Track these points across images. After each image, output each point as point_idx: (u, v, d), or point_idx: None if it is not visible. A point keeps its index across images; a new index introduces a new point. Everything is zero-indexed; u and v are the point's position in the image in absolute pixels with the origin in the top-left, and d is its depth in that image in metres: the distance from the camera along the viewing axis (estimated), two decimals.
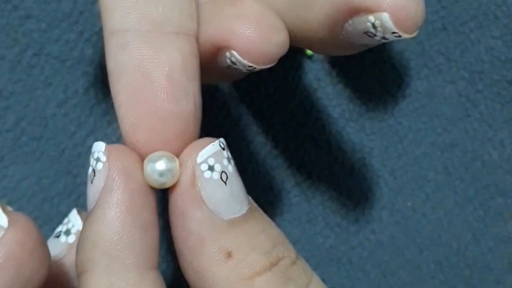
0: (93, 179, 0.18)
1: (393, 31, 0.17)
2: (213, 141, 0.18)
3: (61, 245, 0.20)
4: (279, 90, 0.29)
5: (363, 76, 0.29)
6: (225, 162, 0.18)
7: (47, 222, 0.28)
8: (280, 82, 0.29)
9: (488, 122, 0.30)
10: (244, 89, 0.29)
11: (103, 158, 0.18)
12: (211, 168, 0.17)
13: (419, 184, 0.31)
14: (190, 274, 0.18)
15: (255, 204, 0.18)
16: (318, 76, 0.29)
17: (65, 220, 0.21)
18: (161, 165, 0.18)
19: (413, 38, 0.29)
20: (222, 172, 0.17)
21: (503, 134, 0.30)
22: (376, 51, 0.29)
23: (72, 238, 0.20)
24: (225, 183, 0.17)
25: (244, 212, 0.18)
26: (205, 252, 0.17)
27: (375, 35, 0.18)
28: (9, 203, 0.28)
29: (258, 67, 0.19)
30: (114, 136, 0.28)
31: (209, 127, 0.29)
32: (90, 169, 0.18)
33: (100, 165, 0.18)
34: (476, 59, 0.29)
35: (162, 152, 0.18)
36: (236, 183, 0.18)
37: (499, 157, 0.30)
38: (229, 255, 0.17)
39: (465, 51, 0.29)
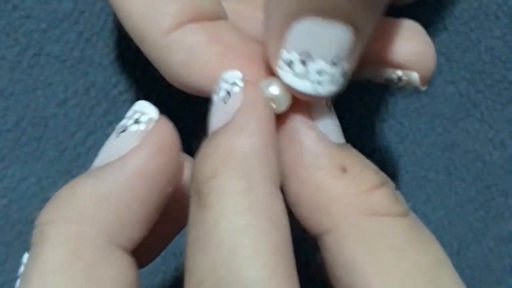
0: (227, 100, 0.18)
1: (416, 86, 0.20)
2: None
3: (134, 135, 0.19)
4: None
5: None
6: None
7: None
8: None
9: (489, 122, 0.30)
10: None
11: (241, 84, 0.18)
12: (317, 92, 0.18)
13: (420, 184, 0.31)
14: (304, 194, 0.18)
15: None
16: None
17: (129, 113, 0.19)
18: (275, 90, 0.18)
19: None
20: (327, 101, 0.19)
21: (504, 134, 0.30)
22: None
23: (143, 126, 0.19)
24: (330, 109, 0.19)
25: (343, 141, 0.19)
26: (321, 168, 0.18)
27: (396, 84, 0.20)
28: (10, 203, 0.28)
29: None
30: None
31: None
32: (223, 92, 0.18)
33: (237, 89, 0.18)
34: (477, 59, 0.29)
35: (269, 78, 0.18)
36: (334, 116, 0.19)
37: (500, 157, 0.30)
38: (344, 170, 0.17)
39: (466, 51, 0.29)
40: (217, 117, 0.18)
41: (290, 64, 0.17)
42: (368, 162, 0.19)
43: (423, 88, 0.21)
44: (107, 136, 0.28)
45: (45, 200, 0.29)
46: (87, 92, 0.28)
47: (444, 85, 0.30)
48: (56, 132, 0.28)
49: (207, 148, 0.17)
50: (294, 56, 0.17)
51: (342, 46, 0.17)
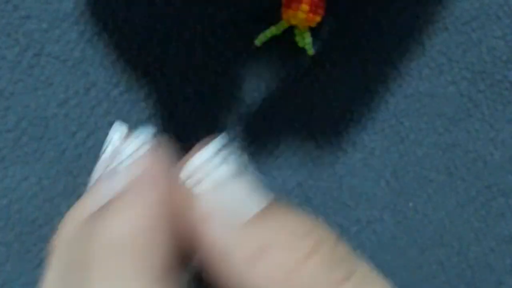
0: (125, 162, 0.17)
1: None
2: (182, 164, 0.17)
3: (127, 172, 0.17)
4: (279, 90, 0.29)
5: (364, 76, 0.29)
6: (212, 172, 0.16)
7: (47, 223, 0.28)
8: (280, 82, 0.29)
9: (490, 122, 0.30)
10: (244, 89, 0.29)
11: (146, 147, 0.17)
12: (198, 182, 0.16)
13: (421, 184, 0.30)
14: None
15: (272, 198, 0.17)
16: (319, 77, 0.29)
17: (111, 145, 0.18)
18: None
19: (414, 39, 0.29)
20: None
21: (505, 134, 0.30)
22: (378, 51, 0.29)
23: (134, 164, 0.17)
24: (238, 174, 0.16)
25: (262, 207, 0.16)
26: (234, 258, 0.16)
27: None
28: (10, 203, 0.28)
29: None
30: None
31: (209, 127, 0.29)
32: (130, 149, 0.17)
33: (141, 151, 0.17)
34: (478, 59, 0.29)
35: None
36: (234, 188, 0.16)
37: (501, 157, 0.30)
38: (263, 251, 0.15)
39: (466, 51, 0.29)
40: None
41: None
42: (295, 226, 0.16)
43: None
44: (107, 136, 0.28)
45: (45, 200, 0.29)
46: (87, 92, 0.28)
47: (445, 85, 0.30)
48: (56, 132, 0.28)
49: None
50: None
51: None
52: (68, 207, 0.29)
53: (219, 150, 0.16)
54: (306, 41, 0.28)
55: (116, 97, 0.28)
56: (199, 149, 0.16)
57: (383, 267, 0.31)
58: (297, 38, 0.28)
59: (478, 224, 0.31)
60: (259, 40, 0.28)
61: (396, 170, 0.30)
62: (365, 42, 0.29)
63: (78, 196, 0.29)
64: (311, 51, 0.28)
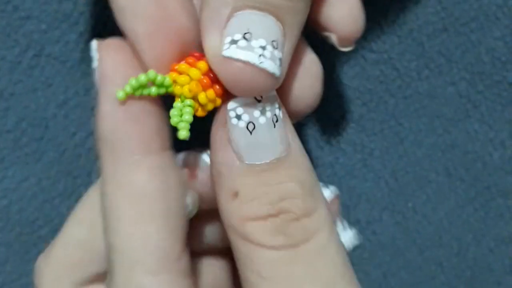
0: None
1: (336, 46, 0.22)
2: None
3: None
4: (279, 90, 0.29)
5: (363, 76, 0.29)
6: (257, 113, 0.19)
7: (47, 223, 0.28)
8: None
9: (489, 123, 0.30)
10: None
11: (96, 56, 0.20)
12: (238, 117, 0.19)
13: (420, 185, 0.31)
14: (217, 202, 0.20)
15: (294, 153, 0.19)
16: None
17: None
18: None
19: (413, 39, 0.29)
20: (249, 122, 0.19)
21: (504, 135, 0.30)
22: (377, 51, 0.29)
23: None
24: (251, 132, 0.19)
25: (267, 161, 0.19)
26: (220, 186, 0.19)
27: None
28: (10, 203, 0.28)
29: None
30: None
31: (209, 126, 0.29)
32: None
33: (95, 63, 0.20)
34: (477, 60, 0.29)
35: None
36: (264, 134, 0.19)
37: (500, 158, 0.30)
38: (235, 195, 0.19)
39: (465, 52, 0.29)
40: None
41: (233, 42, 0.18)
42: (271, 191, 0.19)
43: (346, 49, 0.23)
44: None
45: (45, 201, 0.29)
46: (87, 93, 0.28)
47: (444, 86, 0.30)
48: (56, 133, 0.28)
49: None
50: (238, 36, 0.18)
51: (275, 34, 0.19)
52: (68, 207, 0.29)
53: (263, 97, 0.19)
54: (183, 117, 0.19)
55: None
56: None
57: (383, 268, 0.31)
58: (173, 111, 0.19)
59: (477, 224, 0.31)
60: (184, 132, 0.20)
61: (396, 170, 0.30)
62: (364, 42, 0.29)
63: (78, 196, 0.29)
64: (184, 134, 0.19)
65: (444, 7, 0.29)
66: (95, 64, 0.20)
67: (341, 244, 0.20)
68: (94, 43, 0.21)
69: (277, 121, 0.19)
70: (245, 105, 0.19)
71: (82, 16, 0.28)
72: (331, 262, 0.19)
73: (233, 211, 0.19)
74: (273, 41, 0.19)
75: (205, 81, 0.19)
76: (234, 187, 0.19)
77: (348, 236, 0.24)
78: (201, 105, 0.19)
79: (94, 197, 0.22)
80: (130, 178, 0.19)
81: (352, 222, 0.30)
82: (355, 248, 0.31)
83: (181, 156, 0.22)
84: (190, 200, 0.21)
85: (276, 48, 0.19)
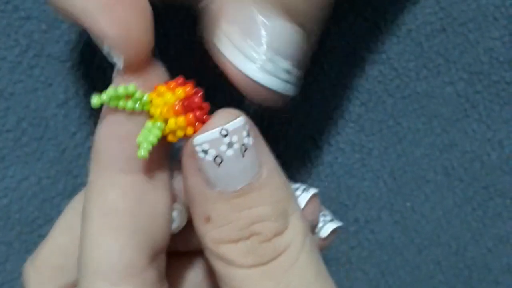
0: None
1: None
2: (214, 129, 0.19)
3: None
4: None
5: (362, 76, 0.29)
6: (223, 148, 0.19)
7: (47, 222, 0.29)
8: None
9: (487, 122, 0.30)
10: None
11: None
12: (205, 152, 0.19)
13: (418, 185, 0.31)
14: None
15: (266, 174, 0.20)
16: (317, 77, 0.29)
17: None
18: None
19: (412, 39, 0.29)
20: (216, 156, 0.19)
21: (502, 134, 0.30)
22: (375, 52, 0.29)
23: None
24: (218, 165, 0.19)
25: (237, 188, 0.19)
26: (193, 210, 0.20)
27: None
28: (10, 203, 0.28)
29: None
30: None
31: None
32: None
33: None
34: (475, 60, 0.30)
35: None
36: (233, 166, 0.19)
37: (498, 158, 0.31)
38: (208, 219, 0.19)
39: (464, 52, 0.29)
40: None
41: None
42: (242, 216, 0.19)
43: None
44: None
45: (45, 200, 0.29)
46: (87, 93, 0.28)
47: (442, 85, 0.30)
48: (56, 132, 0.28)
49: None
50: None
51: None
52: None
53: (230, 131, 0.19)
54: (148, 138, 0.19)
55: None
56: (213, 126, 0.19)
57: (381, 267, 0.31)
58: (143, 130, 0.19)
59: (475, 224, 0.31)
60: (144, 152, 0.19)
61: (394, 170, 0.30)
62: (363, 42, 0.29)
63: None
64: (142, 154, 0.19)
65: (442, 8, 0.29)
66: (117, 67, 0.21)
67: (314, 253, 0.20)
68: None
69: (245, 150, 0.19)
70: (210, 141, 0.19)
71: None
72: (302, 274, 0.19)
73: (206, 234, 0.20)
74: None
75: (177, 108, 0.19)
76: (206, 212, 0.19)
77: (331, 226, 0.24)
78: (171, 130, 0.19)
79: (79, 204, 0.22)
80: (105, 192, 0.20)
81: (351, 221, 0.31)
82: (354, 247, 0.31)
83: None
84: (176, 215, 0.21)
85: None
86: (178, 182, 0.22)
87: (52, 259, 0.22)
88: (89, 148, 0.28)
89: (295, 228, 0.20)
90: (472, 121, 0.30)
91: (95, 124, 0.28)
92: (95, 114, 0.28)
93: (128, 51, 0.19)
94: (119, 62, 0.19)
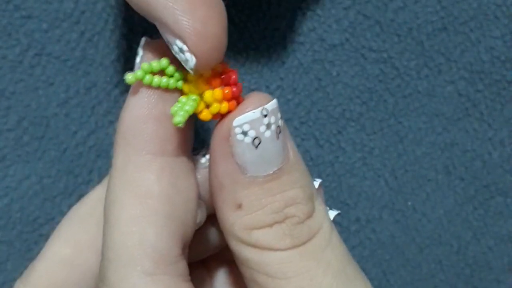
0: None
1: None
2: (255, 109, 0.19)
3: None
4: (280, 89, 0.29)
5: (363, 75, 0.29)
6: (262, 128, 0.19)
7: (48, 222, 0.29)
8: (281, 81, 0.29)
9: (488, 121, 0.30)
10: (244, 89, 0.29)
11: (140, 52, 0.20)
12: (244, 133, 0.19)
13: (420, 184, 0.31)
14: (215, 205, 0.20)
15: (293, 159, 0.20)
16: (318, 76, 0.29)
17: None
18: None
19: (413, 38, 0.29)
20: (255, 138, 0.19)
21: (503, 133, 0.30)
22: (377, 50, 0.29)
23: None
24: (256, 147, 0.19)
25: (271, 172, 0.19)
26: (222, 197, 0.19)
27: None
28: (11, 202, 0.28)
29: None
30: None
31: (209, 126, 0.29)
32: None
33: (138, 59, 0.20)
34: (476, 59, 0.30)
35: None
36: (269, 148, 0.19)
37: (499, 157, 0.31)
38: (239, 206, 0.19)
39: (465, 51, 0.29)
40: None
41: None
42: (275, 200, 0.19)
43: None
44: (108, 135, 0.28)
45: (46, 199, 0.29)
46: (88, 92, 0.28)
47: (444, 84, 0.30)
48: (57, 131, 0.28)
49: None
50: None
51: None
52: (69, 206, 0.29)
53: (269, 111, 0.19)
54: (184, 107, 0.19)
55: (117, 96, 0.28)
56: (253, 106, 0.19)
57: (382, 266, 0.31)
58: (176, 104, 0.19)
59: (477, 223, 0.31)
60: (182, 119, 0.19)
61: (395, 169, 0.30)
62: (364, 41, 0.29)
63: (79, 195, 0.29)
64: (179, 120, 0.19)
65: (443, 7, 0.29)
66: (138, 59, 0.20)
67: (339, 236, 0.20)
68: (143, 40, 0.20)
69: (280, 132, 0.19)
70: (251, 121, 0.19)
71: (83, 15, 0.28)
72: (337, 251, 0.20)
73: (237, 221, 0.19)
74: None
75: (214, 79, 0.19)
76: (237, 199, 0.19)
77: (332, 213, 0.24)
78: (207, 105, 0.19)
79: (78, 214, 0.21)
80: (138, 176, 0.19)
81: (352, 221, 0.31)
82: (355, 247, 0.31)
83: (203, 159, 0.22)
84: (199, 210, 0.21)
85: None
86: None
87: (52, 274, 0.21)
88: (90, 147, 0.28)
89: (322, 212, 0.20)
90: (473, 120, 0.30)
91: (96, 123, 0.28)
92: (96, 114, 0.28)
93: (206, 51, 0.18)
94: (191, 61, 0.18)
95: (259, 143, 0.19)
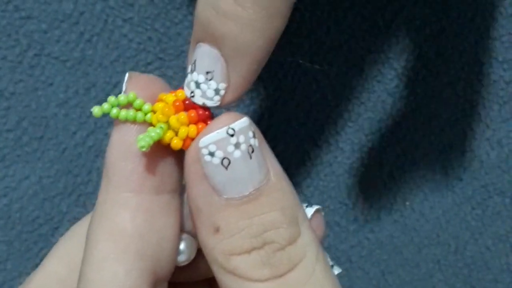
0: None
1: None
2: (220, 128, 0.18)
3: None
4: (279, 90, 0.29)
5: (362, 76, 0.30)
6: (230, 148, 0.18)
7: (47, 222, 0.29)
8: (280, 82, 0.29)
9: (486, 122, 0.30)
10: None
11: (124, 88, 0.20)
12: (211, 154, 0.18)
13: (418, 184, 0.31)
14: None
15: (274, 179, 0.19)
16: (317, 77, 0.29)
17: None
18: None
19: (411, 39, 0.29)
20: (224, 158, 0.18)
21: (501, 134, 0.30)
22: (375, 52, 0.29)
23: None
24: (226, 168, 0.18)
25: (246, 193, 0.18)
26: (200, 221, 0.19)
27: None
28: (10, 202, 0.28)
29: None
30: None
31: None
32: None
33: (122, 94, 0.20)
34: (474, 60, 0.30)
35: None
36: (241, 168, 0.18)
37: (497, 157, 0.31)
38: (217, 230, 0.18)
39: (463, 52, 0.29)
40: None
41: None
42: (253, 223, 0.18)
43: None
44: (107, 136, 0.28)
45: (45, 199, 0.29)
46: (87, 92, 0.28)
47: (442, 85, 0.30)
48: (56, 132, 0.28)
49: None
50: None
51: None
52: (68, 206, 0.29)
53: (236, 130, 0.19)
54: (151, 133, 0.19)
55: None
56: (218, 126, 0.18)
57: (381, 266, 0.31)
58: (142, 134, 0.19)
59: (475, 223, 0.31)
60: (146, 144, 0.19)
61: (393, 169, 0.30)
62: (362, 43, 0.29)
63: (78, 195, 0.29)
64: (142, 143, 0.19)
65: (442, 7, 0.29)
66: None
67: (327, 265, 0.19)
68: (127, 75, 0.20)
69: (253, 151, 0.19)
70: (217, 141, 0.18)
71: (82, 16, 0.28)
72: (319, 286, 0.19)
73: (215, 246, 0.19)
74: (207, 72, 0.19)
75: (177, 103, 0.19)
76: (214, 223, 0.18)
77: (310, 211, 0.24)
78: (176, 133, 0.19)
79: (77, 233, 0.21)
80: (114, 214, 0.19)
81: (351, 221, 0.31)
82: (354, 246, 0.31)
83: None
84: (184, 247, 0.20)
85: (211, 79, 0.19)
86: (186, 209, 0.21)
87: None
88: (89, 148, 0.29)
89: (308, 237, 0.19)
90: (471, 121, 0.30)
91: (95, 123, 0.28)
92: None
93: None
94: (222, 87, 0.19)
95: (229, 164, 0.18)
